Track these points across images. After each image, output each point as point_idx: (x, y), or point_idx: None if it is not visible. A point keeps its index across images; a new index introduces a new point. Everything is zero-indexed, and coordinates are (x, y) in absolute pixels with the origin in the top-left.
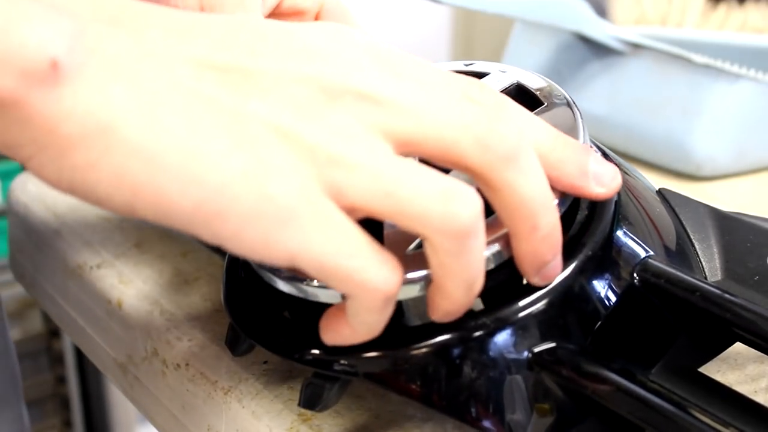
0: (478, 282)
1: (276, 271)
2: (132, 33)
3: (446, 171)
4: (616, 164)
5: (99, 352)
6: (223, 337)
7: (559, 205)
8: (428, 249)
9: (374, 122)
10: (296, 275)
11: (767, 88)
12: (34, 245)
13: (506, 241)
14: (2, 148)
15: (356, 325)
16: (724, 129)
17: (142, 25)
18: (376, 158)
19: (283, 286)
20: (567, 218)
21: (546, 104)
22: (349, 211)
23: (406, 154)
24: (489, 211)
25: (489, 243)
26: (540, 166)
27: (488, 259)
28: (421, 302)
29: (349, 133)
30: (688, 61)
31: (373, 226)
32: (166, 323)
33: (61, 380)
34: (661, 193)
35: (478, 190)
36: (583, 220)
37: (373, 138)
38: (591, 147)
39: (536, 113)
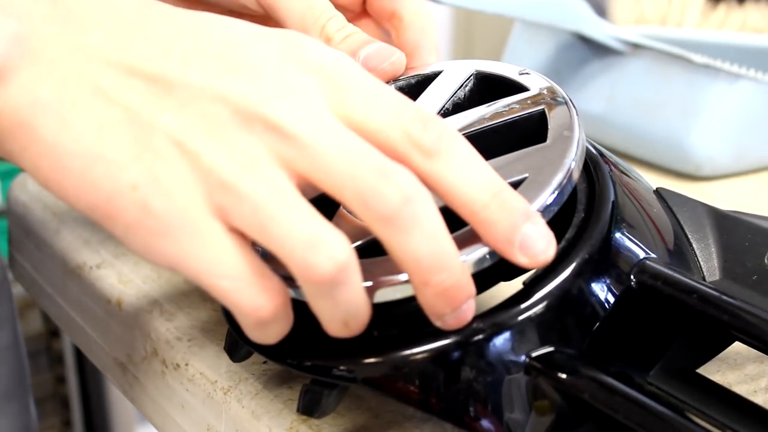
0: (354, 319)
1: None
2: (76, 34)
3: None
4: (612, 163)
5: (98, 351)
6: (222, 336)
7: (544, 212)
8: (299, 284)
9: (276, 152)
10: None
11: (767, 88)
12: (34, 245)
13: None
14: None
15: (249, 335)
16: (723, 129)
17: (90, 25)
18: (262, 191)
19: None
20: (563, 219)
21: (533, 92)
22: (239, 233)
23: (304, 186)
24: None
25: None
26: (436, 224)
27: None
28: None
29: (246, 161)
30: (688, 61)
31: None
32: (166, 323)
33: (61, 380)
34: (659, 193)
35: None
36: (580, 221)
37: (269, 167)
38: (537, 211)
39: (521, 98)
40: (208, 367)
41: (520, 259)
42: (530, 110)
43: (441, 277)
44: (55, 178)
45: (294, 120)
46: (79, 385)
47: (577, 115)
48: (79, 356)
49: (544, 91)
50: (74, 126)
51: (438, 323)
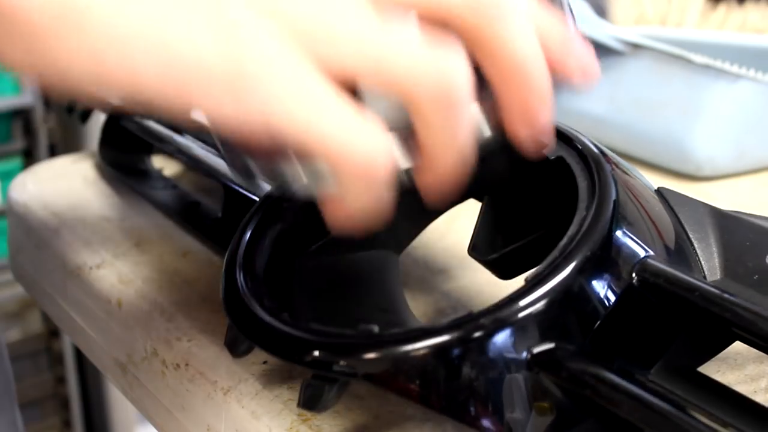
0: (468, 150)
1: None
2: None
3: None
4: (614, 163)
5: (98, 352)
6: (222, 337)
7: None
8: (416, 117)
9: None
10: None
11: (767, 88)
12: (34, 245)
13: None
14: None
15: (350, 205)
16: (723, 129)
17: None
18: (361, 24)
19: None
20: (566, 218)
21: None
22: (336, 78)
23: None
24: None
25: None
26: (529, 20)
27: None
28: None
29: (330, 3)
30: (688, 61)
31: None
32: (166, 323)
33: (61, 380)
34: (660, 193)
35: None
36: (582, 219)
37: (357, 4)
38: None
39: None
40: (208, 368)
41: (575, 71)
42: None
43: (541, 67)
44: (123, 55)
45: None
46: (79, 385)
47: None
48: (79, 356)
49: None
50: (133, 3)
51: (528, 143)
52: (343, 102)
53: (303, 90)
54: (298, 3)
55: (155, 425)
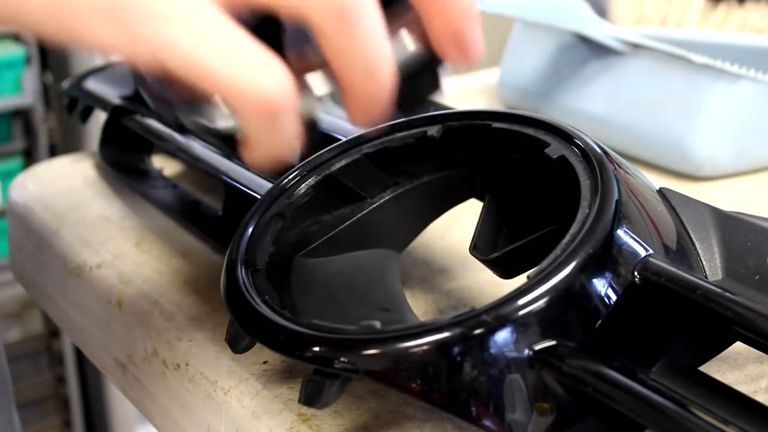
0: (383, 64)
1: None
2: None
3: None
4: (617, 163)
5: (98, 352)
6: (223, 337)
7: None
8: (320, 39)
9: None
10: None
11: (767, 88)
12: (34, 245)
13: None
14: None
15: (255, 144)
16: (724, 129)
17: None
18: None
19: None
20: (567, 216)
21: None
22: (235, 11)
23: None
24: None
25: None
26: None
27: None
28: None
29: None
30: (688, 61)
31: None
32: (166, 323)
33: (61, 380)
34: (662, 193)
35: None
36: (584, 218)
37: None
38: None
39: None
40: (209, 368)
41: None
42: None
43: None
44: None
45: None
46: (79, 385)
47: None
48: (79, 356)
49: None
50: None
51: (453, 55)
52: (236, 33)
53: (189, 19)
54: None
55: (155, 425)
